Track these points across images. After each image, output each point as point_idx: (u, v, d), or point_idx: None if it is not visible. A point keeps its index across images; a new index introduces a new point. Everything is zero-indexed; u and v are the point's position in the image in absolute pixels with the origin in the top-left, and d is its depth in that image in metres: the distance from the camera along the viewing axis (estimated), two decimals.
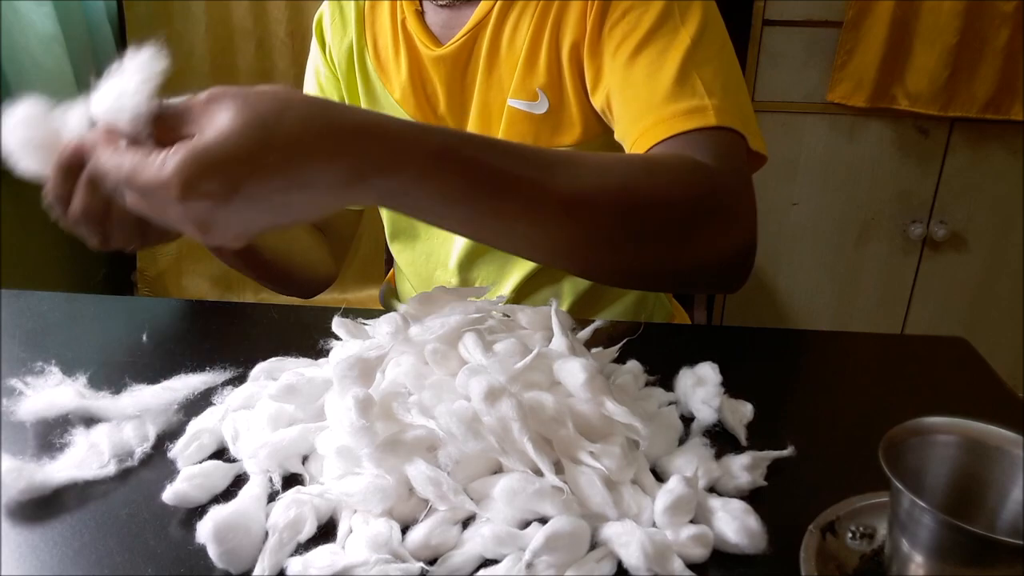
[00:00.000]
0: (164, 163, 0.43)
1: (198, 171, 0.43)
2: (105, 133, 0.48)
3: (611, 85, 0.75)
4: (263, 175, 0.44)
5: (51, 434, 0.58)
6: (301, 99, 0.46)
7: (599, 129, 0.81)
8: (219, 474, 0.53)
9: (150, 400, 0.60)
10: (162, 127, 0.46)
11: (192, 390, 0.63)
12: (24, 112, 0.52)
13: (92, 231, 0.55)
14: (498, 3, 0.81)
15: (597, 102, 0.78)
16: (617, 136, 0.75)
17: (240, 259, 0.83)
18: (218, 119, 0.44)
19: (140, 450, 0.55)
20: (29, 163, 0.53)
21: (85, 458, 0.54)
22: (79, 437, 0.56)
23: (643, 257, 0.60)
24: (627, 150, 0.71)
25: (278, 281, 0.91)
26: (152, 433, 0.57)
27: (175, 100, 0.47)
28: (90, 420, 0.59)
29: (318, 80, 0.96)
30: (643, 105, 0.71)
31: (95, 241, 0.56)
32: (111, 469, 0.54)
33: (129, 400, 0.60)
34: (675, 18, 0.73)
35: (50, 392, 0.60)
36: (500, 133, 0.84)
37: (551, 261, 0.62)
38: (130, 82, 0.47)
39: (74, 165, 0.52)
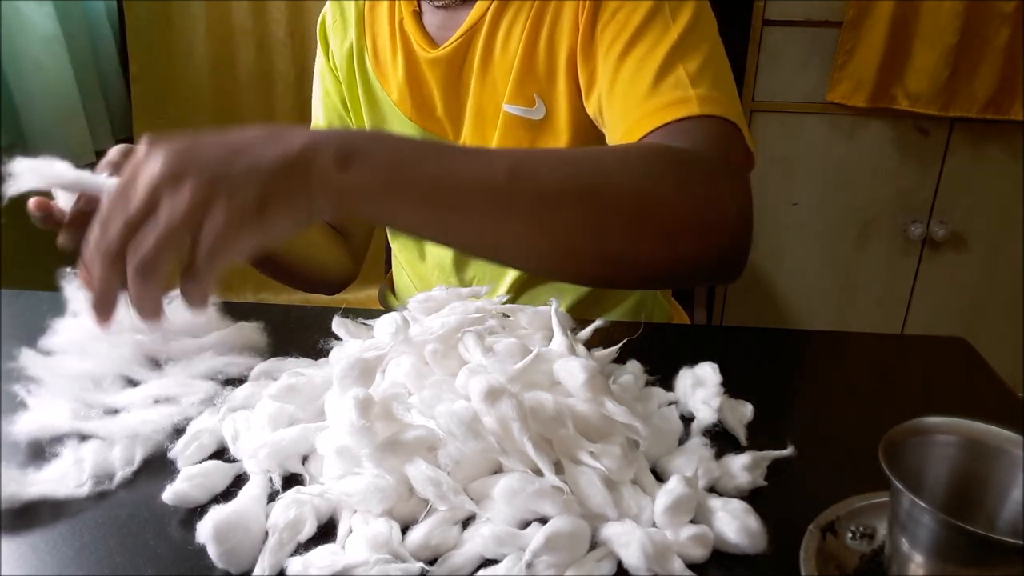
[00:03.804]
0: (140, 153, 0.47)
1: (173, 143, 0.47)
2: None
3: (602, 88, 0.74)
4: (233, 152, 0.47)
5: (44, 443, 0.57)
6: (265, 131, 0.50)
7: (591, 136, 0.80)
8: (219, 474, 0.53)
9: (144, 418, 0.59)
10: None
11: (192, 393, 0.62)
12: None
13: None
14: (493, 5, 0.80)
15: (591, 108, 0.77)
16: (609, 140, 0.74)
17: (261, 263, 0.84)
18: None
19: (120, 474, 0.54)
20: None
21: (66, 474, 0.53)
22: (67, 451, 0.55)
23: (605, 247, 0.57)
24: None
25: (299, 282, 0.93)
26: (138, 457, 0.56)
27: None
28: (84, 436, 0.57)
29: (323, 84, 0.96)
30: (628, 103, 0.70)
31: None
32: (86, 489, 0.53)
33: (122, 420, 0.59)
34: (665, 15, 0.72)
35: (46, 408, 0.59)
36: (495, 138, 0.83)
37: (511, 258, 0.59)
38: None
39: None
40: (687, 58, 0.69)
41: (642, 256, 0.58)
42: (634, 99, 0.69)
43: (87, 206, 0.55)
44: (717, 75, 0.70)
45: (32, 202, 0.57)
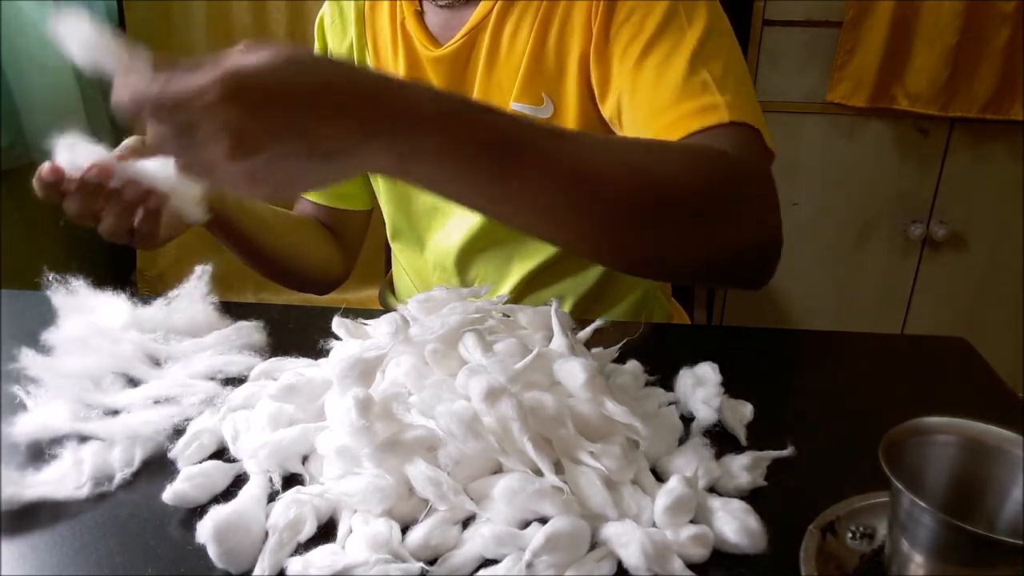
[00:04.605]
0: (204, 71, 0.43)
1: (238, 77, 0.43)
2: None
3: (621, 90, 0.74)
4: (295, 102, 0.44)
5: (43, 445, 0.56)
6: (332, 59, 0.50)
7: (600, 131, 0.79)
8: (219, 474, 0.53)
9: (144, 420, 0.58)
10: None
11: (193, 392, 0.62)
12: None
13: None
14: (498, 4, 0.80)
15: (607, 110, 0.77)
16: None
17: (246, 253, 0.83)
18: (257, 53, 0.45)
19: (120, 475, 0.54)
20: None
21: (65, 475, 0.53)
22: (67, 452, 0.55)
23: (657, 240, 0.58)
24: None
25: (286, 278, 0.92)
26: (138, 458, 0.55)
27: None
28: (83, 437, 0.57)
29: None
30: (654, 108, 0.70)
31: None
32: (85, 491, 0.52)
33: (122, 420, 0.58)
34: (681, 17, 0.72)
35: (45, 409, 0.59)
36: None
37: (562, 239, 0.60)
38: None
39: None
40: (710, 61, 0.70)
41: (679, 248, 0.59)
42: (660, 104, 0.69)
43: (98, 177, 0.59)
44: (739, 78, 0.71)
45: (46, 168, 0.60)
